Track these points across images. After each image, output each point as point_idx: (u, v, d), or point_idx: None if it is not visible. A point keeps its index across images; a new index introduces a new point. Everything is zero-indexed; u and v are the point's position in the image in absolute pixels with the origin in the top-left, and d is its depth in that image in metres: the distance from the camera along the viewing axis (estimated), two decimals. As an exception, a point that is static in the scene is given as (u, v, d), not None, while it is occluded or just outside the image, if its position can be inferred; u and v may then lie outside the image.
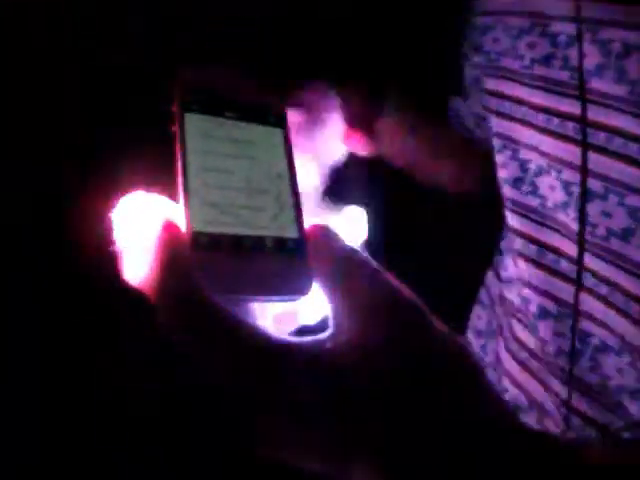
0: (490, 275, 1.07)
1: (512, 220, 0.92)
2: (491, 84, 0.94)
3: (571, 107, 0.81)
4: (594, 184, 0.79)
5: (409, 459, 0.43)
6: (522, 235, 0.91)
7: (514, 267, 0.95)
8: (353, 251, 0.49)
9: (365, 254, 0.49)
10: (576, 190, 0.81)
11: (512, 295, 0.96)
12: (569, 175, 0.82)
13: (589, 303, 0.81)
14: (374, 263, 0.48)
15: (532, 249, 0.89)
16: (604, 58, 0.75)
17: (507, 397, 0.92)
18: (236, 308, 0.50)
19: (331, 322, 0.46)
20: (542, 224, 0.88)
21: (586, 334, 0.80)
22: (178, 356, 0.42)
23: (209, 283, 0.45)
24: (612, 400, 0.76)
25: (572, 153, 0.81)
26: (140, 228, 0.46)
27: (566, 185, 0.82)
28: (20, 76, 0.57)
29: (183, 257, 0.45)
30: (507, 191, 0.92)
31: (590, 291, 0.81)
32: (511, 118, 0.90)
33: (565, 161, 0.82)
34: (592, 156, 0.78)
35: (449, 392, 0.45)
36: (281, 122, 0.56)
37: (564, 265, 0.85)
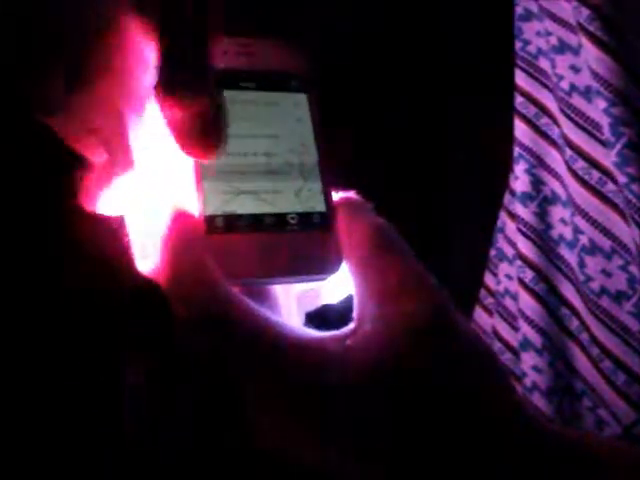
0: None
1: (515, 237, 0.82)
2: (521, 79, 0.78)
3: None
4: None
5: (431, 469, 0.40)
6: (521, 257, 0.80)
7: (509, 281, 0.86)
8: (386, 227, 0.45)
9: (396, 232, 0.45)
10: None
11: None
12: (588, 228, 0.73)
13: None
14: (405, 243, 0.45)
15: (529, 275, 0.79)
16: None
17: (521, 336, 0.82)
18: (257, 289, 0.50)
19: (354, 309, 0.44)
20: (543, 250, 0.79)
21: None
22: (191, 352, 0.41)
23: (228, 268, 0.43)
24: None
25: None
26: (151, 219, 0.44)
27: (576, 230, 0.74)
28: None
29: (195, 251, 0.42)
30: (517, 207, 0.81)
31: None
32: (538, 131, 0.78)
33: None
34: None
35: (479, 402, 0.42)
36: (305, 86, 0.51)
37: (565, 312, 0.78)
